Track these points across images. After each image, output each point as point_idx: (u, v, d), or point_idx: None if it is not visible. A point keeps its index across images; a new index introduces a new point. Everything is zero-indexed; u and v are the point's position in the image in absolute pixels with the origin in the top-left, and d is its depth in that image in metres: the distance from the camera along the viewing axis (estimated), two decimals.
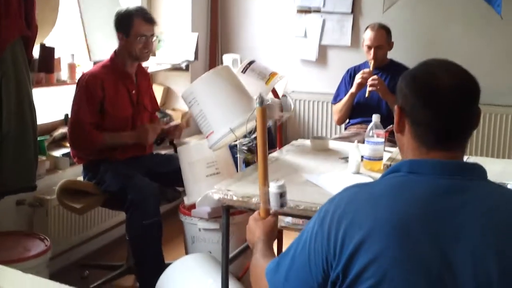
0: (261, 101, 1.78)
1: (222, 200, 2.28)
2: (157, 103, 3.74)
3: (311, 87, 4.85)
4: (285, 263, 1.39)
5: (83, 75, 3.29)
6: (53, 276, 3.17)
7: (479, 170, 1.33)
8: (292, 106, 3.12)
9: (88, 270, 3.59)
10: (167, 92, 4.81)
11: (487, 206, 1.25)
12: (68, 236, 3.56)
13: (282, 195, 1.79)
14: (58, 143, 3.70)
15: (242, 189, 2.31)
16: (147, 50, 3.32)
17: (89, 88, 3.21)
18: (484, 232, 1.21)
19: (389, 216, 1.24)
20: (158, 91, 4.69)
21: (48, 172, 3.49)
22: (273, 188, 1.78)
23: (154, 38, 3.38)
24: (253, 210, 2.32)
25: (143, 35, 3.27)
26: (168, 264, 3.15)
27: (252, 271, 1.59)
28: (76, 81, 3.38)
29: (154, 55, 4.69)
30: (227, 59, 4.60)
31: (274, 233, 1.76)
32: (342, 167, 2.68)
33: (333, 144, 3.10)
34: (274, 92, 3.04)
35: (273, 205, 1.78)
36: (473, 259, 1.18)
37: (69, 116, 3.29)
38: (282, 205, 1.79)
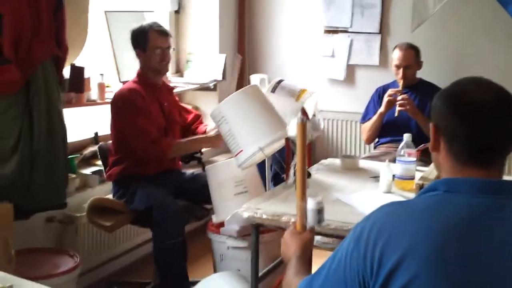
0: (302, 117, 1.77)
1: (251, 218, 2.27)
2: (186, 115, 3.74)
3: (339, 106, 4.83)
4: (318, 282, 1.37)
5: (121, 91, 3.33)
6: None
7: None
8: (322, 125, 3.10)
9: (116, 287, 3.59)
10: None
11: None
12: (97, 253, 3.58)
13: (320, 211, 1.77)
14: (87, 161, 3.73)
15: (272, 207, 2.30)
16: (165, 61, 3.38)
17: (134, 102, 3.25)
18: None
19: (427, 236, 1.21)
20: None
21: (78, 190, 3.51)
22: (311, 204, 1.76)
23: (171, 49, 3.43)
24: (282, 229, 2.31)
25: (159, 47, 3.33)
26: (195, 282, 3.15)
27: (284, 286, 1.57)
28: (107, 100, 3.43)
29: (182, 75, 4.73)
30: (254, 79, 4.61)
31: (310, 249, 1.72)
32: (373, 186, 2.65)
33: (363, 163, 3.07)
34: (304, 111, 3.03)
35: (310, 221, 1.75)
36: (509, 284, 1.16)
37: (122, 134, 3.30)
38: (320, 221, 1.77)
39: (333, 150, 4.83)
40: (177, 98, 3.75)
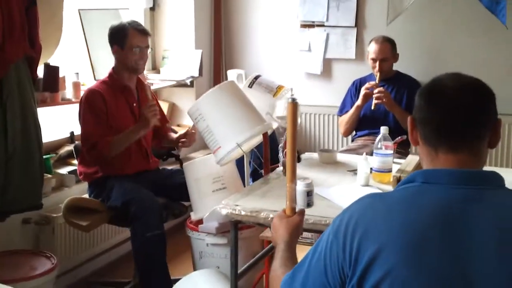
0: (293, 98, 1.76)
1: (230, 215, 2.25)
2: (165, 116, 3.73)
3: (316, 100, 4.83)
4: (300, 276, 1.37)
5: (85, 91, 3.31)
6: None
7: (496, 178, 1.30)
8: (299, 120, 3.10)
9: (95, 287, 3.55)
10: (172, 108, 4.81)
11: (503, 216, 1.22)
12: (75, 253, 3.54)
13: (309, 193, 1.75)
14: (63, 161, 3.69)
15: (250, 203, 2.29)
16: (143, 61, 3.36)
17: (92, 103, 3.22)
18: (501, 244, 1.18)
19: (404, 228, 1.21)
20: (163, 107, 4.69)
21: (54, 190, 3.48)
22: (300, 186, 1.74)
23: (149, 50, 3.41)
24: (261, 225, 2.31)
25: (138, 46, 3.31)
26: (175, 280, 3.13)
27: (270, 281, 1.54)
28: None
29: (159, 72, 4.69)
30: (231, 74, 4.59)
31: (299, 233, 1.68)
32: (351, 179, 2.65)
33: (341, 157, 3.07)
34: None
35: (300, 203, 1.73)
36: (488, 273, 1.16)
37: (80, 134, 3.28)
38: (309, 204, 1.75)
39: (311, 144, 4.83)
40: (155, 96, 3.70)
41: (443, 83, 1.35)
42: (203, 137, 2.70)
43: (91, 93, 3.26)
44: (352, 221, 1.27)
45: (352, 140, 4.27)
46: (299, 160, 2.22)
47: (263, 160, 2.89)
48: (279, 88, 2.97)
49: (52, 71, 3.37)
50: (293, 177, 1.72)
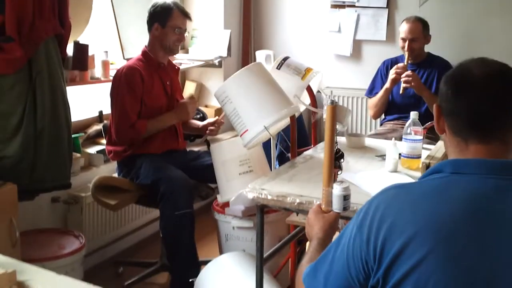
0: (332, 100, 1.74)
1: (256, 199, 2.24)
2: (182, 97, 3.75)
3: (346, 82, 4.78)
4: (323, 268, 1.35)
5: (120, 69, 3.32)
6: (88, 273, 3.19)
7: None
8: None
9: (122, 267, 3.60)
10: (200, 89, 4.79)
11: None
12: (103, 233, 3.58)
13: (346, 197, 1.73)
14: (92, 140, 3.72)
15: (277, 187, 2.27)
16: (179, 42, 3.40)
17: (130, 80, 3.24)
18: None
19: (432, 220, 1.18)
20: (191, 88, 4.69)
21: (83, 169, 3.50)
22: (337, 190, 1.72)
23: (187, 33, 3.45)
24: (288, 210, 2.29)
25: (179, 27, 3.36)
26: (202, 262, 3.14)
27: (297, 275, 1.52)
28: (111, 77, 3.43)
29: (187, 51, 4.68)
30: (260, 55, 4.56)
31: (334, 230, 1.67)
32: (379, 165, 2.62)
33: (369, 141, 3.03)
34: (309, 88, 2.99)
35: (336, 207, 1.71)
36: None
37: (113, 111, 3.30)
38: (345, 208, 1.73)
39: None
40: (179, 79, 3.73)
41: (469, 71, 1.30)
42: (230, 119, 2.68)
43: (130, 70, 3.28)
44: (378, 214, 1.24)
45: (381, 124, 4.21)
46: (340, 167, 2.19)
47: (290, 143, 2.86)
48: (308, 70, 2.92)
49: (81, 50, 3.38)
50: (330, 181, 1.71)
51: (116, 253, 3.75)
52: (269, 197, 2.21)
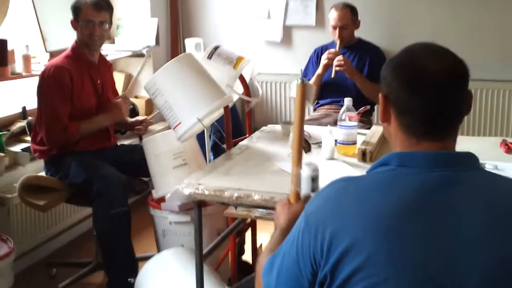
0: (302, 78, 1.69)
1: (193, 195, 2.17)
2: (118, 93, 3.62)
3: (277, 68, 4.75)
4: (277, 262, 1.32)
5: (48, 67, 3.15)
6: (19, 278, 3.07)
7: (472, 159, 1.26)
8: (260, 91, 3.02)
9: (55, 268, 3.46)
10: (129, 80, 4.66)
11: (482, 198, 1.18)
12: (33, 234, 3.44)
13: (314, 179, 1.68)
14: (16, 137, 3.56)
15: (214, 182, 2.21)
16: (96, 36, 3.21)
17: (58, 80, 3.09)
18: (483, 227, 1.14)
19: (381, 215, 1.15)
20: (119, 79, 4.54)
21: (8, 169, 3.35)
22: (306, 171, 1.67)
23: (106, 25, 3.25)
24: (226, 204, 2.24)
25: (90, 20, 3.18)
26: (139, 258, 3.06)
27: (257, 265, 1.48)
28: (33, 72, 3.27)
29: (113, 42, 4.53)
30: (190, 43, 4.47)
31: None
32: (315, 152, 2.59)
33: (304, 128, 3.00)
34: (241, 77, 2.94)
35: (304, 188, 1.67)
36: (474, 255, 1.12)
37: (41, 112, 3.14)
38: (313, 190, 1.69)
39: (273, 115, 4.77)
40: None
41: (422, 67, 1.25)
42: (162, 112, 2.59)
43: (57, 69, 3.12)
44: (325, 209, 1.21)
45: (314, 109, 4.21)
46: (309, 149, 2.15)
47: (225, 134, 2.80)
48: (239, 59, 2.86)
49: (0, 44, 3.20)
50: (299, 161, 1.67)
51: (49, 254, 3.62)
52: (206, 192, 2.14)
